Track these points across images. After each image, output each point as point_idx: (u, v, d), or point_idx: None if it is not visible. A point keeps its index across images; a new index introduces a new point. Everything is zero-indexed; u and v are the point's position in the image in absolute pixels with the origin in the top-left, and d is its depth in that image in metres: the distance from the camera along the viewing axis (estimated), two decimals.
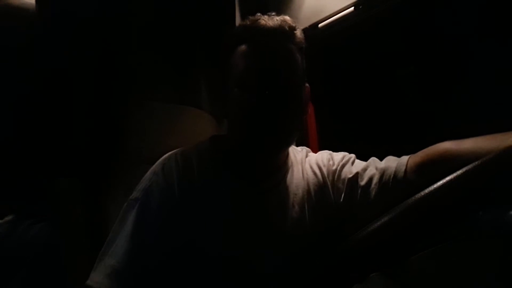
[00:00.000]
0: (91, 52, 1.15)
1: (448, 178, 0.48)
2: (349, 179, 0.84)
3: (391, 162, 0.82)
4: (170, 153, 0.84)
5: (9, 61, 1.10)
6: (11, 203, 1.10)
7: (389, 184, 0.79)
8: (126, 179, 0.87)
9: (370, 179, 0.82)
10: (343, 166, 0.87)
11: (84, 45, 1.13)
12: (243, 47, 0.78)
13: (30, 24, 1.12)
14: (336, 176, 0.86)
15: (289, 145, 0.85)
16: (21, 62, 1.11)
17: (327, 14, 1.23)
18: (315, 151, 0.96)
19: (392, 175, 0.79)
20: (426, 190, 0.49)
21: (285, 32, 0.78)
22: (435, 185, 0.49)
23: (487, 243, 0.48)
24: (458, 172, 0.48)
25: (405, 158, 0.81)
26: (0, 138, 1.10)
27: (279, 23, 0.78)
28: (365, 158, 0.89)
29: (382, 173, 0.81)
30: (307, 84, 0.85)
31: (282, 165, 0.86)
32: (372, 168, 0.83)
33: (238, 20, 1.44)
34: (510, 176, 0.45)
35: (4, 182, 1.10)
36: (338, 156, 0.90)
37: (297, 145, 0.96)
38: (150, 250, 0.74)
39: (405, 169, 0.78)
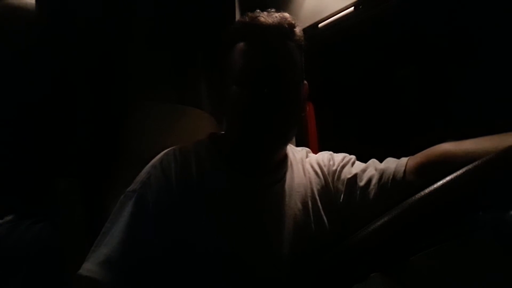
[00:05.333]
0: (91, 52, 1.15)
1: (448, 178, 0.48)
2: (348, 179, 0.84)
3: (390, 163, 0.82)
4: (169, 148, 0.84)
5: (9, 62, 1.10)
6: (11, 203, 1.10)
7: (388, 185, 0.79)
8: (126, 179, 0.87)
9: (369, 180, 0.82)
10: (343, 166, 0.87)
11: (84, 45, 1.13)
12: (241, 44, 0.77)
13: (30, 24, 1.12)
14: (336, 177, 0.86)
15: (287, 142, 0.85)
16: (21, 63, 1.11)
17: (327, 14, 1.23)
18: (315, 151, 0.96)
19: (391, 176, 0.79)
20: (426, 190, 0.49)
21: (284, 29, 0.77)
22: (435, 185, 0.49)
23: (487, 243, 0.48)
24: (458, 172, 0.48)
25: (404, 160, 0.81)
26: (1, 139, 1.10)
27: (278, 20, 0.77)
28: (365, 158, 0.89)
29: (381, 174, 0.81)
30: (305, 81, 0.85)
31: (281, 163, 0.86)
32: (371, 169, 0.83)
33: (238, 18, 1.43)
34: (510, 176, 0.45)
35: (5, 182, 1.10)
36: (339, 157, 0.90)
37: (297, 145, 0.96)
38: (145, 242, 0.73)
39: (404, 170, 0.78)
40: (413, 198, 0.50)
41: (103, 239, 0.74)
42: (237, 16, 1.45)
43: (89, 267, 0.71)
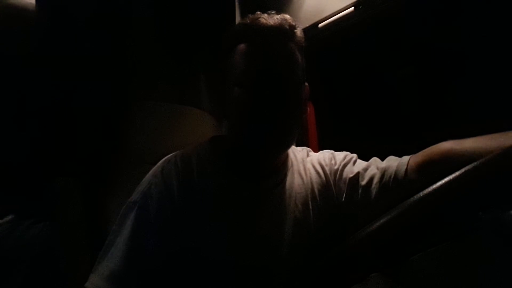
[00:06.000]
0: (91, 52, 1.15)
1: (447, 178, 0.48)
2: (350, 178, 0.84)
3: (392, 162, 0.82)
4: (170, 155, 0.83)
5: (9, 62, 1.10)
6: (11, 203, 1.10)
7: (389, 183, 0.79)
8: (126, 179, 0.87)
9: (371, 179, 0.82)
10: (345, 165, 0.87)
11: (84, 45, 1.13)
12: (243, 46, 0.77)
13: (30, 24, 1.12)
14: (337, 176, 0.86)
15: (290, 144, 0.84)
16: (21, 62, 1.11)
17: (327, 14, 1.24)
18: (315, 151, 0.96)
19: (392, 175, 0.79)
20: (426, 190, 0.49)
21: (285, 31, 0.77)
22: (435, 185, 0.49)
23: (487, 243, 0.48)
24: (458, 172, 0.48)
25: (406, 158, 0.81)
26: (1, 139, 1.10)
27: (279, 21, 0.77)
28: (365, 158, 0.89)
29: (383, 172, 0.81)
30: (306, 83, 0.84)
31: (282, 165, 0.86)
32: (373, 167, 0.83)
33: (238, 20, 1.44)
34: (510, 176, 0.45)
35: (5, 182, 1.10)
36: (340, 155, 0.90)
37: (297, 145, 0.96)
38: (148, 253, 0.73)
39: (406, 169, 0.78)
40: (413, 198, 0.50)
41: (107, 252, 0.75)
42: (237, 16, 1.45)
43: (95, 281, 0.72)
